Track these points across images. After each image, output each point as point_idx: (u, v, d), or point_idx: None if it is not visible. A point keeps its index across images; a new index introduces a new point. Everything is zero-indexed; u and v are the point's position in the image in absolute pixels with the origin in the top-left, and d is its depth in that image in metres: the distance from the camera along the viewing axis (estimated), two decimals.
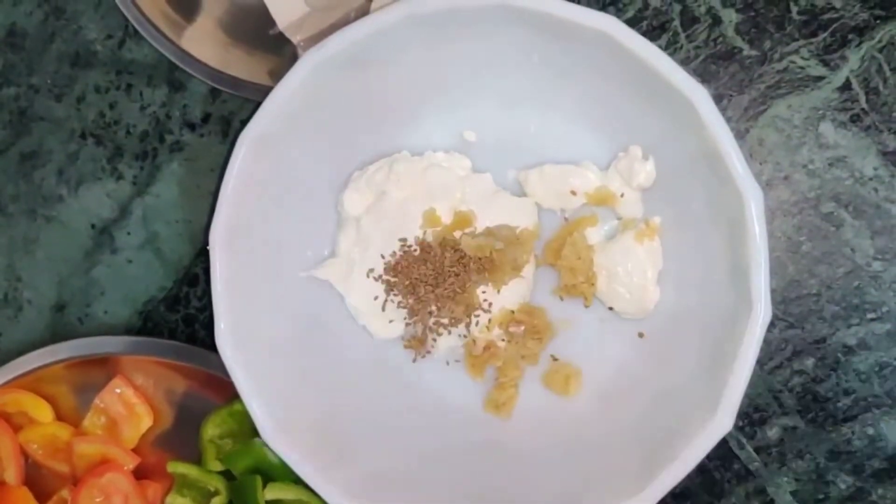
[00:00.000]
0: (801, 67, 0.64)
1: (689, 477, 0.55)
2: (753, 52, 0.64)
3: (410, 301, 0.62)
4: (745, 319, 0.55)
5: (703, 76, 0.64)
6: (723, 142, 0.55)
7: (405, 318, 0.63)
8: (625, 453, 0.58)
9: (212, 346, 0.60)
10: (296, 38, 0.63)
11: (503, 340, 0.63)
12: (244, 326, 0.59)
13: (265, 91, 0.59)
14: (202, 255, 0.68)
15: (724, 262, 0.57)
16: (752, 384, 0.62)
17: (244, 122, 0.59)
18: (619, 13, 0.64)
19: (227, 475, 0.64)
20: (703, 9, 0.64)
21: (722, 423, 0.55)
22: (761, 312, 0.54)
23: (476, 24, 0.58)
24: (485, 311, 0.62)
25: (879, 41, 0.63)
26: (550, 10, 0.56)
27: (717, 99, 0.63)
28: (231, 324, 0.59)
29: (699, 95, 0.55)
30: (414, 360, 0.64)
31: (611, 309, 0.62)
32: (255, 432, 0.59)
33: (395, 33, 0.58)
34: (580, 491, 0.58)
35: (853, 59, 0.63)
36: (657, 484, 0.55)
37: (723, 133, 0.55)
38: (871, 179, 0.63)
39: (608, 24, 0.55)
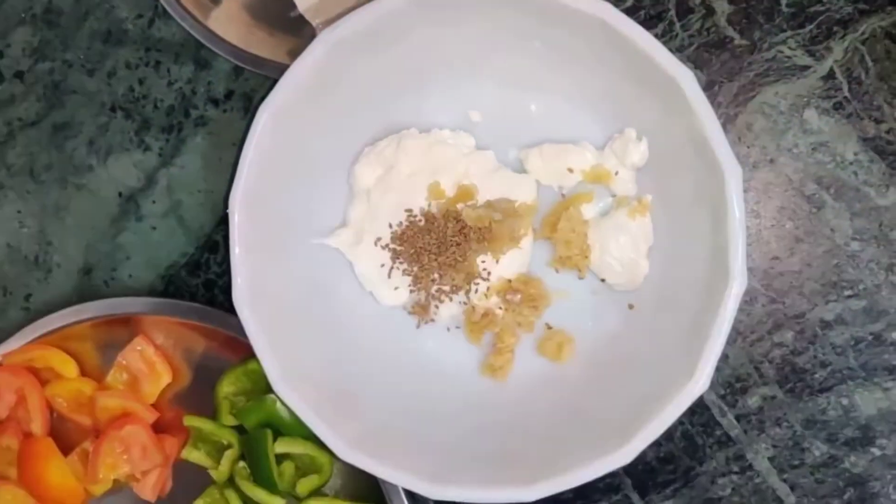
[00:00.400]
0: (788, 57, 0.65)
1: (673, 442, 0.56)
2: (744, 42, 0.65)
3: (415, 269, 0.64)
4: (722, 289, 0.56)
5: (696, 63, 0.65)
6: (705, 121, 0.56)
7: (409, 286, 0.65)
8: (611, 412, 0.60)
9: (229, 309, 0.61)
10: (314, 21, 0.64)
11: (501, 308, 0.64)
12: (259, 286, 0.61)
13: (285, 69, 0.60)
14: (222, 223, 0.69)
15: (706, 236, 0.59)
16: (735, 355, 0.64)
17: (265, 99, 0.60)
18: (617, 3, 0.64)
19: (239, 430, 0.65)
20: (697, 0, 0.66)
21: (698, 384, 0.56)
22: (736, 282, 0.56)
23: (480, 8, 0.59)
24: (484, 279, 0.64)
25: (862, 34, 0.65)
26: None
27: (709, 85, 0.65)
28: (247, 282, 0.60)
29: (684, 77, 0.57)
30: (417, 326, 0.65)
31: (603, 281, 0.63)
32: (267, 390, 0.61)
33: (404, 16, 0.59)
34: (569, 445, 0.59)
35: (837, 50, 0.65)
36: (639, 438, 0.56)
37: (706, 113, 0.56)
38: (851, 164, 0.65)
39: (602, 10, 0.57)
